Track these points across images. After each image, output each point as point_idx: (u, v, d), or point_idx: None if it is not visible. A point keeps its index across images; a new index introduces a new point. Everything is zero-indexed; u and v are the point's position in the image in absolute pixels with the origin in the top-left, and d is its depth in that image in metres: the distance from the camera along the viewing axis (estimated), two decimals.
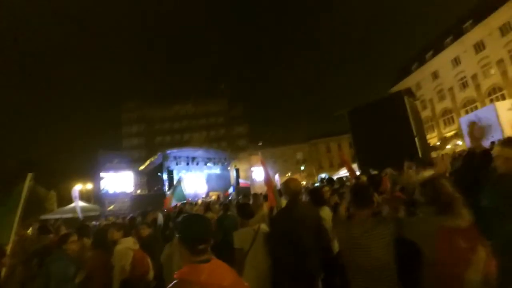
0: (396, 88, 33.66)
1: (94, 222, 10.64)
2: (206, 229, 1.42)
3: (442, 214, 1.62)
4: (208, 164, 24.30)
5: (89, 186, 25.15)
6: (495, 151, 2.05)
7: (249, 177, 33.19)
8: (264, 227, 2.79)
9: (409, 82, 34.24)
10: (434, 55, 32.35)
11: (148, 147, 43.72)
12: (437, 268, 1.56)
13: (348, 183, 8.48)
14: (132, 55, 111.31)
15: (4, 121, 67.12)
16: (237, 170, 25.03)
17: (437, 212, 1.65)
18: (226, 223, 5.02)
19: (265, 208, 5.33)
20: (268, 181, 5.97)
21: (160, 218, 5.44)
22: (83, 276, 2.92)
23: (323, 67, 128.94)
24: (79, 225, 4.51)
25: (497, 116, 13.07)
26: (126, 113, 46.47)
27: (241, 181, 24.73)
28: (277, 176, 18.29)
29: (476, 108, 26.76)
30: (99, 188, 22.65)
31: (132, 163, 32.73)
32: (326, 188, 5.65)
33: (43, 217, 15.90)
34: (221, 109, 48.74)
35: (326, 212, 3.15)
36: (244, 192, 20.41)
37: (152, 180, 23.30)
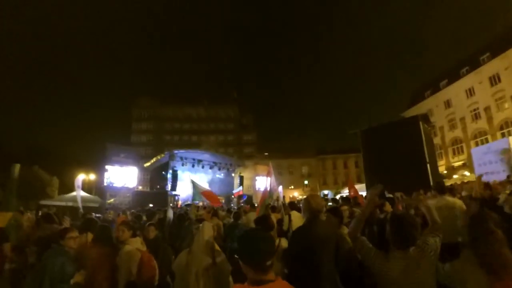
0: (408, 113, 33.52)
1: (94, 214, 10.58)
2: (272, 243, 1.34)
3: (492, 275, 1.43)
4: (213, 169, 24.27)
5: (92, 177, 25.22)
6: None
7: (252, 186, 33.00)
8: (284, 243, 2.71)
9: (422, 108, 34.09)
10: (448, 83, 32.28)
11: (156, 145, 44.02)
12: None
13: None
14: (151, 54, 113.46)
15: (19, 107, 68.42)
16: (242, 178, 24.95)
17: (485, 269, 1.48)
18: (236, 232, 4.95)
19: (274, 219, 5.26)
20: (265, 193, 5.86)
21: (170, 213, 5.34)
22: (83, 277, 2.60)
23: (337, 85, 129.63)
24: (85, 219, 4.27)
25: (510, 150, 12.88)
26: (137, 109, 47.01)
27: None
28: (280, 188, 18.08)
29: (486, 140, 26.44)
30: (102, 180, 22.67)
31: (138, 159, 32.84)
32: (345, 207, 5.49)
33: (44, 202, 16.02)
34: (231, 115, 49.14)
35: (346, 233, 3.05)
36: (247, 200, 20.27)
37: (155, 178, 23.32)
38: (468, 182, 12.04)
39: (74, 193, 13.98)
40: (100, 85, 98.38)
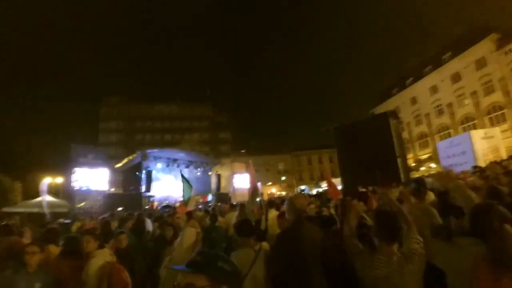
0: (378, 110, 35.02)
1: (62, 220, 9.91)
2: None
3: (489, 249, 1.42)
4: (189, 167, 23.77)
5: (59, 180, 23.64)
6: None
7: (230, 184, 32.77)
8: (265, 246, 2.62)
9: (390, 104, 35.74)
10: (413, 81, 34.13)
11: (127, 144, 42.07)
12: None
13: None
14: (119, 50, 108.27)
15: None
16: (219, 176, 24.67)
17: (483, 245, 1.47)
18: (214, 235, 4.79)
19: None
20: (251, 191, 5.82)
21: (149, 224, 5.01)
22: None
23: (311, 83, 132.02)
24: (46, 229, 3.91)
25: (472, 144, 13.90)
26: (106, 107, 44.60)
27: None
28: (259, 185, 18.15)
29: (449, 134, 28.35)
30: (70, 183, 21.34)
31: (108, 160, 31.31)
32: (312, 206, 5.46)
33: (6, 209, 14.77)
34: (205, 113, 48.25)
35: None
36: (223, 199, 20.07)
37: (128, 179, 22.38)
38: (434, 175, 12.77)
39: (39, 199, 13.03)
40: (64, 82, 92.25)
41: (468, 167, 11.27)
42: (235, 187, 31.95)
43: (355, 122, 13.85)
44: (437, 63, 30.87)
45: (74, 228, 7.09)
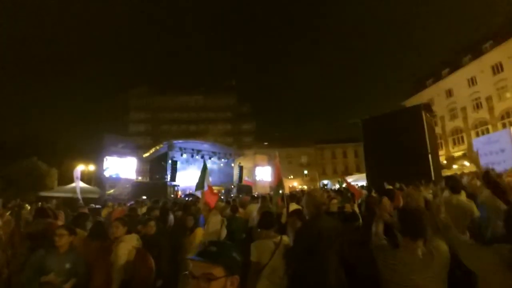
0: (409, 102, 33.22)
1: (93, 205, 10.51)
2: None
3: None
4: (212, 159, 24.18)
5: (91, 167, 25.11)
6: None
7: (252, 176, 33.01)
8: (286, 239, 2.61)
9: (423, 96, 33.76)
10: (450, 72, 31.86)
11: (154, 135, 43.69)
12: None
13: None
14: (147, 43, 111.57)
15: (16, 98, 67.69)
16: (241, 168, 24.89)
17: None
18: (234, 225, 4.84)
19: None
20: (276, 183, 5.77)
21: (171, 218, 5.11)
22: (55, 278, 2.48)
23: (338, 74, 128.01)
24: (76, 214, 4.10)
25: (511, 142, 12.77)
26: (134, 99, 46.30)
27: (245, 178, 24.63)
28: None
29: (487, 130, 26.32)
30: (101, 170, 22.59)
31: (137, 149, 32.71)
32: (335, 201, 5.36)
33: (43, 193, 15.97)
34: (230, 104, 48.46)
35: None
36: (246, 190, 20.26)
37: (154, 168, 23.26)
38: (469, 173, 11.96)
39: (73, 184, 13.90)
40: (96, 74, 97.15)
41: (507, 166, 10.41)
42: (257, 179, 32.15)
43: (385, 115, 13.22)
44: (477, 53, 28.54)
45: (104, 213, 7.47)
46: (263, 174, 33.68)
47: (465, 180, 5.97)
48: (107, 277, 2.82)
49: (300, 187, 33.68)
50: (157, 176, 21.43)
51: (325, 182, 34.63)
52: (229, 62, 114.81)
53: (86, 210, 6.09)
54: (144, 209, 6.68)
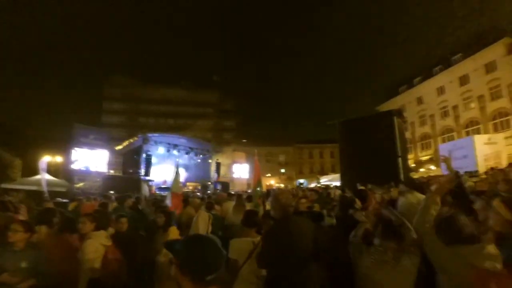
0: (383, 107, 34.67)
1: (60, 199, 9.96)
2: (219, 255, 1.16)
3: (468, 249, 1.54)
4: (190, 154, 23.78)
5: (58, 159, 23.72)
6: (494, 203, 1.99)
7: (229, 173, 32.92)
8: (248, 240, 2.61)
9: (396, 102, 35.38)
10: (421, 81, 33.63)
11: (129, 127, 41.91)
12: None
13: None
14: (127, 30, 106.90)
15: None
16: (218, 164, 24.70)
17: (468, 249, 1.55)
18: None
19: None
20: (255, 181, 5.82)
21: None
22: (8, 278, 2.29)
23: (319, 76, 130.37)
24: (42, 209, 3.83)
25: (474, 148, 13.78)
26: (110, 88, 43.93)
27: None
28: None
29: (453, 137, 28.13)
30: (69, 162, 21.42)
31: (109, 141, 31.38)
32: (303, 200, 5.40)
33: (4, 185, 14.86)
34: (211, 100, 47.60)
35: None
36: (223, 187, 20.16)
37: (128, 162, 22.44)
38: (435, 177, 12.72)
39: (38, 176, 13.09)
40: (69, 60, 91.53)
41: (465, 171, 11.24)
42: (235, 176, 32.13)
43: (359, 118, 13.70)
44: (447, 64, 30.36)
45: (71, 207, 7.11)
46: (241, 171, 33.71)
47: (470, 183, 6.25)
48: (75, 276, 2.70)
49: (277, 185, 34.09)
50: (130, 170, 20.70)
51: (301, 181, 35.29)
52: (213, 58, 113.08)
53: (51, 205, 5.77)
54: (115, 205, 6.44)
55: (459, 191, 5.19)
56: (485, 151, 13.94)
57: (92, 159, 22.24)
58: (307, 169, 44.39)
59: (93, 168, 21.97)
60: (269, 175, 40.39)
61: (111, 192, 11.77)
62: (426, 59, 37.34)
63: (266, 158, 43.63)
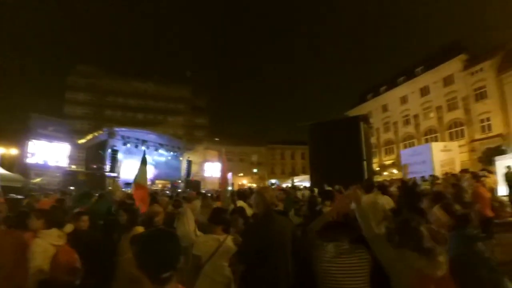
0: (352, 112, 36.24)
1: (14, 195, 9.17)
2: (175, 253, 1.12)
3: (421, 259, 1.63)
4: (159, 151, 23.03)
5: (13, 151, 21.74)
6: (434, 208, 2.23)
7: (201, 171, 32.33)
8: (230, 240, 2.60)
9: (364, 109, 37.16)
10: (387, 89, 35.68)
11: (94, 119, 39.44)
12: None
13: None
14: (96, 17, 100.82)
15: None
16: (190, 162, 24.20)
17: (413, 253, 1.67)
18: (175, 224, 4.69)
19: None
20: (224, 181, 5.83)
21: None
22: None
23: (293, 78, 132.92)
24: None
25: (432, 155, 14.90)
26: (74, 77, 40.97)
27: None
28: (230, 175, 18.13)
29: (413, 144, 30.18)
30: (26, 156, 19.74)
31: (71, 134, 29.36)
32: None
33: None
34: (183, 96, 46.38)
35: None
36: (194, 186, 19.80)
37: (92, 157, 21.20)
38: (396, 180, 13.57)
39: None
40: (28, 45, 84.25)
41: (427, 175, 12.16)
42: (206, 175, 31.67)
43: (329, 121, 14.23)
44: (410, 75, 32.46)
45: (24, 204, 6.60)
46: (213, 170, 33.31)
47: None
48: (24, 275, 2.50)
49: (249, 184, 34.20)
50: (94, 166, 19.58)
51: (273, 181, 35.75)
52: (186, 52, 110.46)
53: (2, 200, 5.29)
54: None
55: (411, 193, 5.66)
56: (441, 157, 15.13)
57: (51, 153, 20.69)
58: (279, 170, 45.09)
59: (52, 163, 20.45)
60: (241, 174, 40.40)
61: (71, 188, 11.09)
62: (393, 69, 39.68)
63: (239, 157, 43.63)
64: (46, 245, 2.52)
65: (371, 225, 1.93)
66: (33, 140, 19.84)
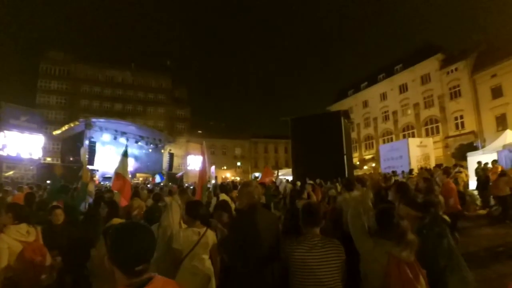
0: (333, 107, 36.92)
1: None
2: (149, 245, 1.10)
3: (395, 245, 1.74)
4: (140, 143, 22.47)
5: None
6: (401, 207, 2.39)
7: (183, 164, 31.90)
8: (211, 233, 2.61)
9: (344, 104, 37.96)
10: (368, 86, 36.59)
11: (69, 109, 37.50)
12: None
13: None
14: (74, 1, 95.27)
15: None
16: (172, 155, 23.82)
17: (389, 241, 1.77)
18: (157, 215, 4.63)
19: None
20: (203, 174, 5.79)
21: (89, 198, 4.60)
22: None
23: (276, 72, 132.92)
24: None
25: (408, 150, 15.53)
26: (47, 64, 38.40)
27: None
28: (213, 168, 18.03)
29: (392, 139, 31.32)
30: None
31: (45, 125, 27.96)
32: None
33: None
34: (163, 86, 44.91)
35: None
36: (175, 179, 19.54)
37: (68, 148, 20.40)
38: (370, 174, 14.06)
39: None
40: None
41: (404, 170, 12.70)
42: (189, 168, 31.30)
43: (310, 116, 14.44)
44: (390, 73, 33.42)
45: None
46: (195, 163, 32.98)
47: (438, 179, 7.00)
48: None
49: (232, 178, 34.20)
50: (71, 159, 18.83)
51: (257, 174, 35.96)
52: (166, 40, 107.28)
53: None
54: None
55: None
56: (417, 152, 15.79)
57: (24, 144, 19.64)
58: (262, 163, 45.25)
59: (25, 155, 19.44)
60: (225, 167, 40.30)
61: (48, 181, 10.62)
62: (373, 67, 40.63)
63: (222, 150, 43.41)
64: (11, 241, 2.41)
65: (362, 218, 2.00)
66: (5, 131, 18.72)
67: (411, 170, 11.71)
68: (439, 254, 2.07)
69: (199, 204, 2.85)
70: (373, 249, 1.80)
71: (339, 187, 7.33)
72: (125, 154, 5.33)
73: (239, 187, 2.68)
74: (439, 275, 1.97)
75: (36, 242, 2.58)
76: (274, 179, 10.01)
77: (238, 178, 32.82)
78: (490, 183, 8.14)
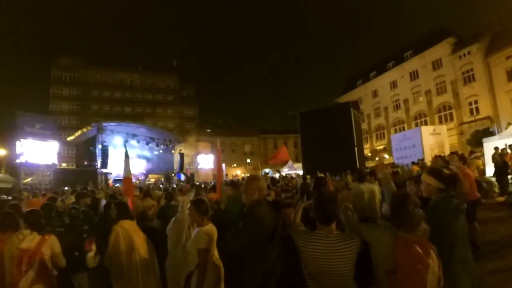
0: (342, 99, 36.34)
1: (4, 197, 9.01)
2: None
3: (404, 230, 1.71)
4: (150, 144, 22.77)
5: (1, 152, 21.18)
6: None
7: (193, 164, 32.22)
8: (213, 227, 2.63)
9: (353, 95, 37.30)
10: (377, 75, 35.76)
11: (81, 115, 38.36)
12: (399, 274, 1.64)
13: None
14: (77, 5, 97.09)
15: None
16: (182, 155, 24.06)
17: (398, 227, 1.74)
18: (170, 213, 4.70)
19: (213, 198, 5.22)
20: (221, 171, 5.83)
21: (102, 204, 4.68)
22: None
23: (282, 66, 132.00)
24: None
25: (421, 138, 15.12)
26: (58, 71, 39.34)
27: (186, 167, 23.95)
28: (223, 166, 18.18)
29: (404, 128, 30.60)
30: (14, 156, 19.26)
31: (59, 131, 28.74)
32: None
33: None
34: (171, 86, 45.26)
35: None
36: (187, 178, 19.76)
37: (82, 153, 20.87)
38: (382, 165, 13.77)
39: None
40: (11, 38, 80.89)
41: (417, 159, 12.38)
42: (199, 168, 31.61)
43: (319, 109, 14.27)
44: (399, 60, 32.54)
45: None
46: (206, 162, 33.24)
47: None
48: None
49: (243, 175, 34.34)
50: (85, 163, 19.29)
51: (267, 170, 35.95)
52: (172, 41, 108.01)
53: None
54: (72, 199, 5.95)
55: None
56: (430, 140, 15.31)
57: (40, 151, 20.26)
58: None
59: (42, 161, 20.06)
60: (235, 165, 40.51)
61: (65, 188, 10.93)
62: (382, 54, 39.66)
63: (231, 148, 43.57)
64: (12, 248, 2.44)
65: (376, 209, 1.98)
66: (21, 139, 19.36)
67: (419, 160, 11.39)
68: (448, 230, 2.08)
69: (202, 202, 2.83)
70: (382, 233, 1.79)
71: (350, 179, 7.23)
72: (127, 156, 5.48)
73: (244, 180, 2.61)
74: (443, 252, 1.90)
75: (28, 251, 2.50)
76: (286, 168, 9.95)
77: (248, 175, 32.91)
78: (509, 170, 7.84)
